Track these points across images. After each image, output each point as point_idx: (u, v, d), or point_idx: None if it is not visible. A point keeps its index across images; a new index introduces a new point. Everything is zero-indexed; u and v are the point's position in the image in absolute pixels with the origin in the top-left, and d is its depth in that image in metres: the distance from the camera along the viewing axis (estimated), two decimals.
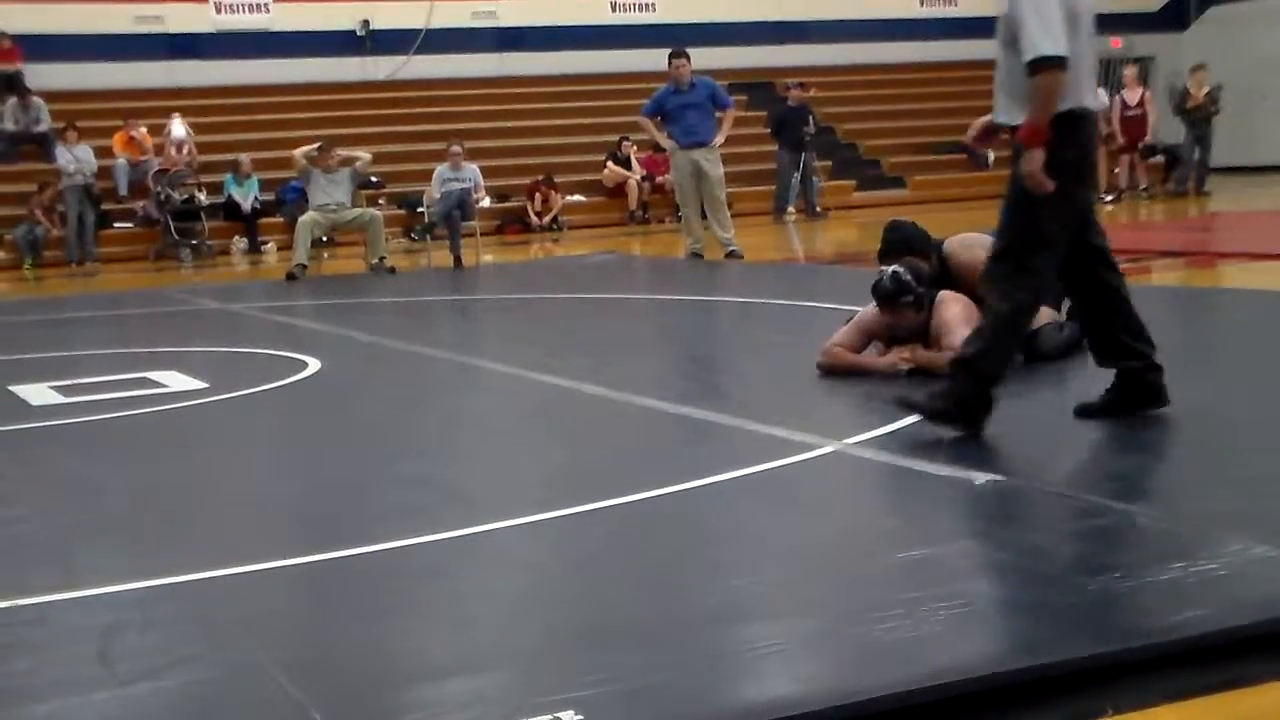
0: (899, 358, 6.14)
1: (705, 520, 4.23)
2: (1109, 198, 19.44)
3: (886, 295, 6.14)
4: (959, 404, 4.87)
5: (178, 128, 19.05)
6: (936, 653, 2.88)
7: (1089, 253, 5.02)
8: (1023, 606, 3.13)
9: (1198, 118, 20.20)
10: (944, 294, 6.22)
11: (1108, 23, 27.95)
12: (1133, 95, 20.44)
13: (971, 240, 6.55)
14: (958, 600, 3.16)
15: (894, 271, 6.15)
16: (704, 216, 13.78)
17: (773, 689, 2.81)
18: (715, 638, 3.14)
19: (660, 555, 3.96)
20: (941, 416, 4.90)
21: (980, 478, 4.28)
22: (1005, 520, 3.94)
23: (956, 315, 6.07)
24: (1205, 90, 20.28)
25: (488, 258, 15.94)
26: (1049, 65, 4.68)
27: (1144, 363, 5.02)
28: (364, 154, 15.21)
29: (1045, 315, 6.33)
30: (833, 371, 6.25)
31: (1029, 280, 4.92)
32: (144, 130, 19.34)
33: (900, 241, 6.54)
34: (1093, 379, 6.13)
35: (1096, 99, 4.99)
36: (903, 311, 6.14)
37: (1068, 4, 4.76)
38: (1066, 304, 6.65)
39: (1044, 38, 4.67)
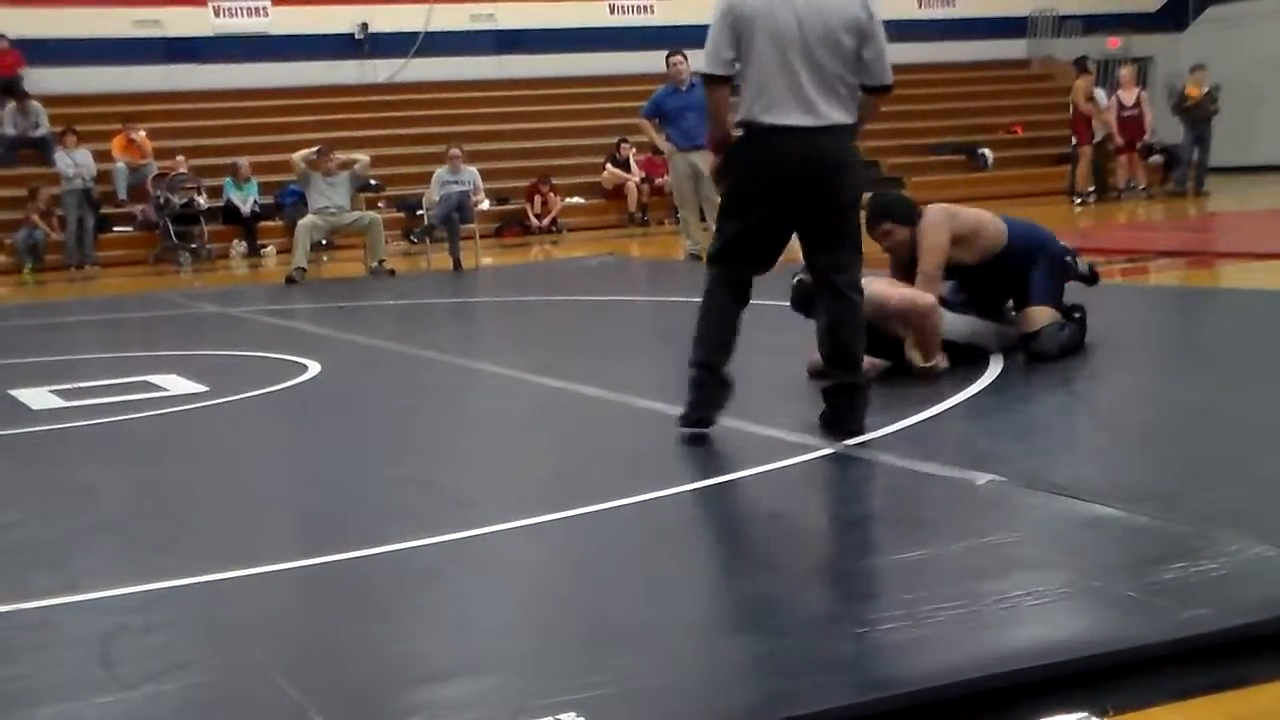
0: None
1: (705, 522, 4.23)
2: (1078, 200, 19.42)
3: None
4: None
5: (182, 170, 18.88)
6: (938, 654, 2.88)
7: (810, 269, 5.23)
8: (1024, 607, 3.13)
9: (1196, 118, 20.19)
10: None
11: (1106, 23, 27.92)
12: (1129, 95, 20.44)
13: (956, 210, 6.56)
14: (959, 601, 3.16)
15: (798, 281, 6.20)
16: (703, 218, 13.78)
17: (772, 688, 2.81)
18: (715, 640, 3.15)
19: (660, 558, 3.96)
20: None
21: (982, 478, 4.28)
22: (1006, 521, 3.94)
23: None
24: (1204, 90, 20.29)
25: (487, 260, 15.95)
26: (706, 81, 5.10)
27: (831, 384, 5.15)
28: (363, 157, 15.22)
29: (1045, 315, 6.33)
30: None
31: (711, 272, 5.22)
32: (143, 134, 19.33)
33: (879, 208, 6.56)
34: (1095, 379, 6.15)
35: (796, 116, 4.96)
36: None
37: (765, 25, 4.94)
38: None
39: (706, 57, 5.06)
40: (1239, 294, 9.39)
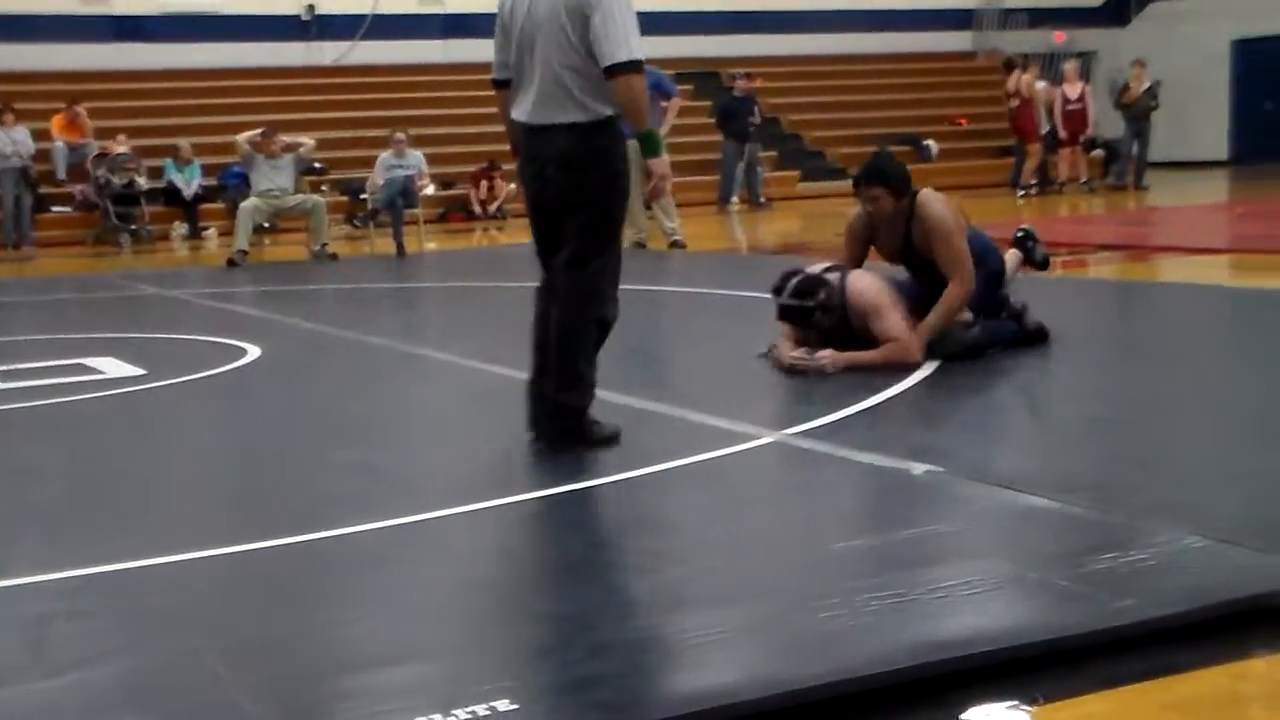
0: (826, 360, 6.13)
1: (646, 509, 4.23)
2: (1021, 193, 19.57)
3: (789, 312, 6.22)
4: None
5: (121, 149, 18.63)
6: (873, 642, 2.90)
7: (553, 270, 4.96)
8: (958, 596, 3.15)
9: (1136, 113, 20.40)
10: (851, 276, 6.26)
11: (1051, 17, 28.09)
12: (1073, 89, 20.60)
13: (941, 198, 6.48)
14: (895, 591, 3.18)
15: (796, 287, 6.19)
16: (648, 206, 13.78)
17: (710, 677, 2.82)
18: (653, 626, 3.16)
19: (600, 544, 3.97)
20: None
21: (919, 469, 4.31)
22: (942, 512, 3.97)
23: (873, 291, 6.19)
24: (1144, 85, 20.48)
25: (431, 245, 15.87)
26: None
27: (543, 391, 4.91)
28: (308, 140, 15.10)
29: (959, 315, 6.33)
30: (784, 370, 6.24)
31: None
32: (83, 113, 19.08)
33: (876, 170, 6.45)
34: (1033, 371, 6.20)
35: (528, 113, 4.87)
36: (814, 319, 6.19)
37: (516, 22, 4.90)
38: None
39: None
40: (1176, 288, 9.49)
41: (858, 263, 6.52)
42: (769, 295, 6.34)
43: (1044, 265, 7.24)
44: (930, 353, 6.14)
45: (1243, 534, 3.46)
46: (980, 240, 6.53)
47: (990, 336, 6.38)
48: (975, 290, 6.33)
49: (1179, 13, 26.35)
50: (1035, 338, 6.54)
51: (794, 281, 6.20)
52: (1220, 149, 25.88)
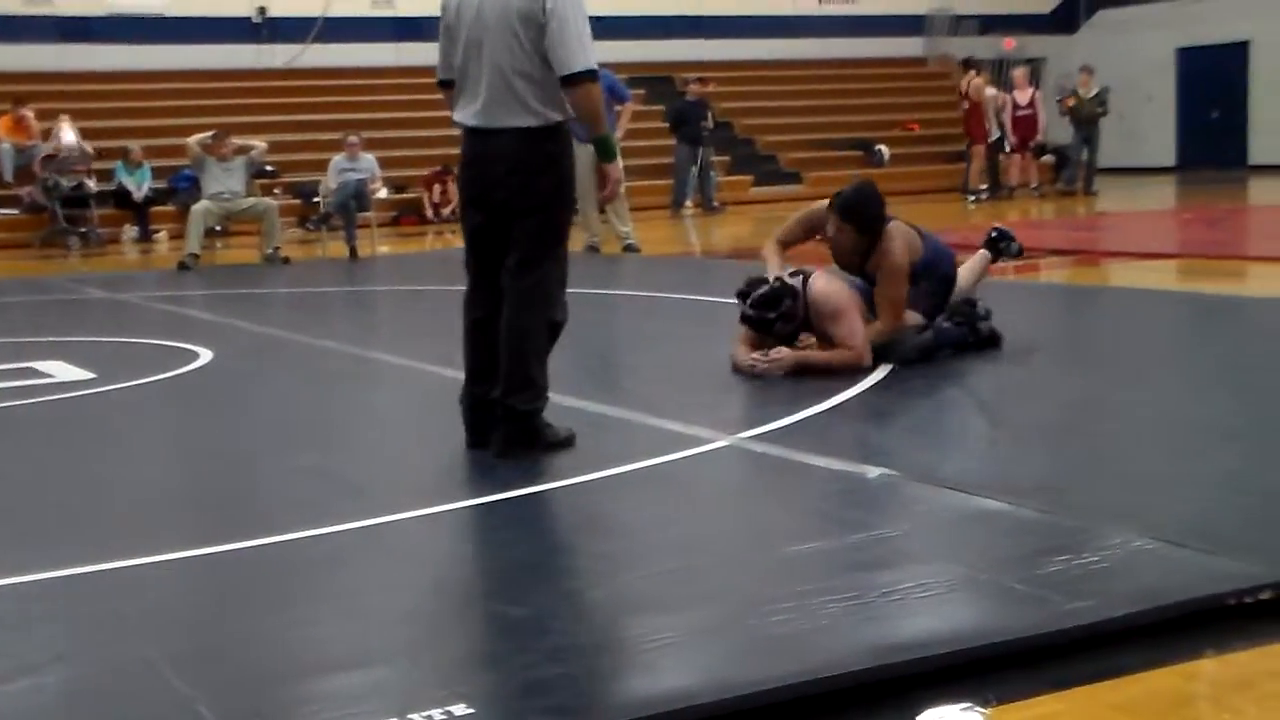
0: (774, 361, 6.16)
1: (599, 513, 4.23)
2: (971, 198, 19.71)
3: (750, 321, 6.25)
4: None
5: (68, 134, 18.49)
6: (827, 645, 2.91)
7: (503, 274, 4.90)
8: (912, 599, 3.17)
9: (1084, 119, 20.59)
10: (814, 279, 6.29)
11: (1001, 23, 28.34)
12: (1023, 95, 20.77)
13: (910, 236, 6.47)
14: (848, 593, 3.19)
15: (760, 298, 6.21)
16: (602, 210, 13.78)
17: (664, 681, 2.83)
18: (607, 630, 3.16)
19: (554, 548, 3.97)
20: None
21: (873, 472, 4.33)
22: (896, 515, 3.99)
23: (837, 297, 6.23)
24: (1093, 92, 20.67)
25: (384, 249, 15.82)
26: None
27: (481, 398, 4.89)
28: (259, 143, 15.01)
29: (910, 319, 6.37)
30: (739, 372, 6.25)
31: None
32: (30, 114, 18.88)
33: (855, 209, 6.36)
34: (986, 375, 6.24)
35: (473, 116, 4.82)
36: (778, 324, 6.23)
37: (463, 22, 4.81)
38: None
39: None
40: (1125, 292, 9.58)
41: (788, 245, 6.62)
42: (734, 299, 6.35)
43: (1019, 254, 7.44)
44: (883, 357, 6.18)
45: (1192, 536, 3.50)
46: (934, 246, 6.57)
47: (939, 340, 6.44)
48: (927, 294, 6.41)
49: (1126, 20, 26.64)
50: (986, 343, 6.59)
51: (759, 292, 6.23)
52: (1168, 155, 26.18)
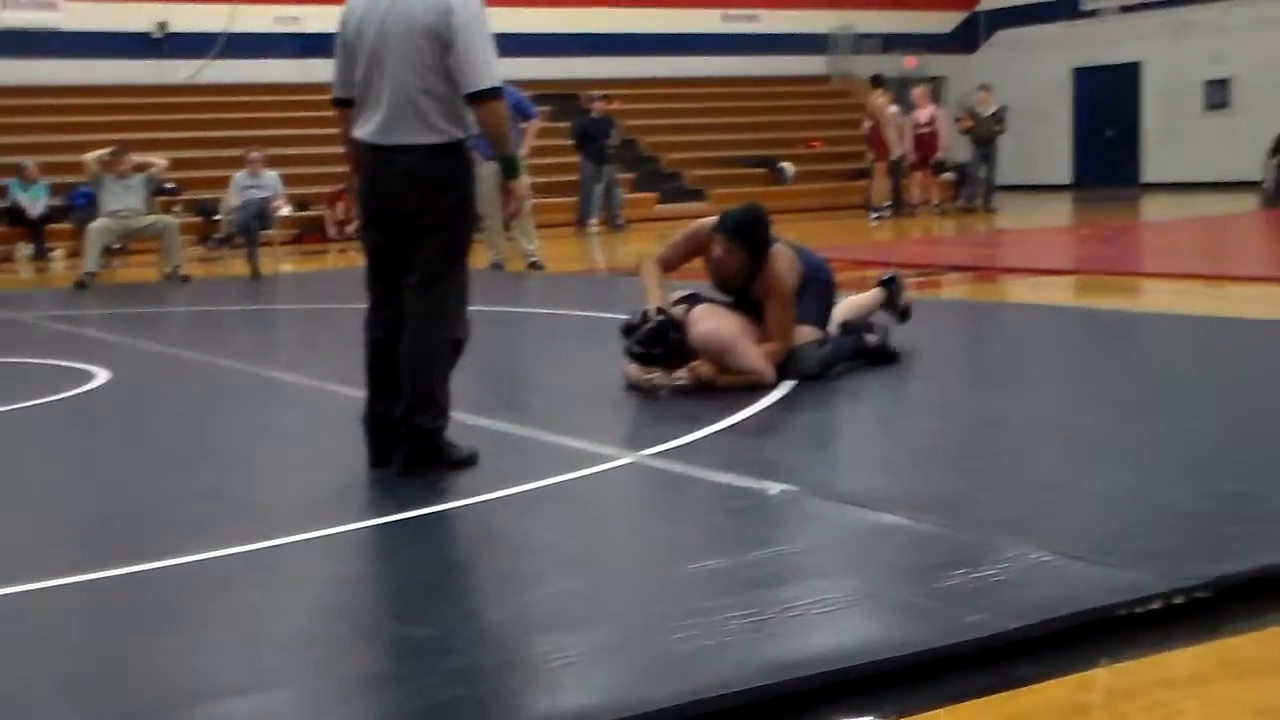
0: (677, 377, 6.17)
1: (500, 532, 4.22)
2: (874, 215, 19.93)
3: (638, 358, 6.26)
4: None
5: None
6: (728, 662, 2.92)
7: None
8: (812, 615, 3.19)
9: (983, 137, 20.92)
10: (693, 323, 6.27)
11: (903, 42, 28.75)
12: (923, 113, 21.05)
13: (794, 260, 6.47)
14: (750, 609, 3.21)
15: (644, 336, 6.21)
16: (507, 227, 13.75)
17: (566, 700, 2.82)
18: (509, 649, 3.15)
19: (455, 567, 3.95)
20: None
21: (774, 488, 4.36)
22: (797, 530, 4.02)
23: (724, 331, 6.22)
24: (990, 110, 21.00)
25: (286, 267, 15.67)
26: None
27: (385, 418, 4.86)
28: (159, 160, 14.81)
29: (806, 334, 6.42)
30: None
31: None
32: None
33: (743, 230, 6.35)
34: (886, 391, 6.31)
35: (374, 132, 4.78)
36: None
37: (364, 37, 4.78)
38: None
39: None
40: (1023, 308, 9.72)
41: (672, 266, 6.57)
42: (620, 334, 6.34)
43: (904, 317, 7.26)
44: (785, 373, 6.22)
45: (1085, 549, 3.56)
46: (809, 260, 6.62)
47: (836, 354, 6.51)
48: (815, 302, 6.50)
49: (1024, 40, 27.13)
50: (879, 357, 6.66)
51: (643, 329, 6.21)
52: (1065, 173, 26.68)
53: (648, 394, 6.12)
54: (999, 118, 21.03)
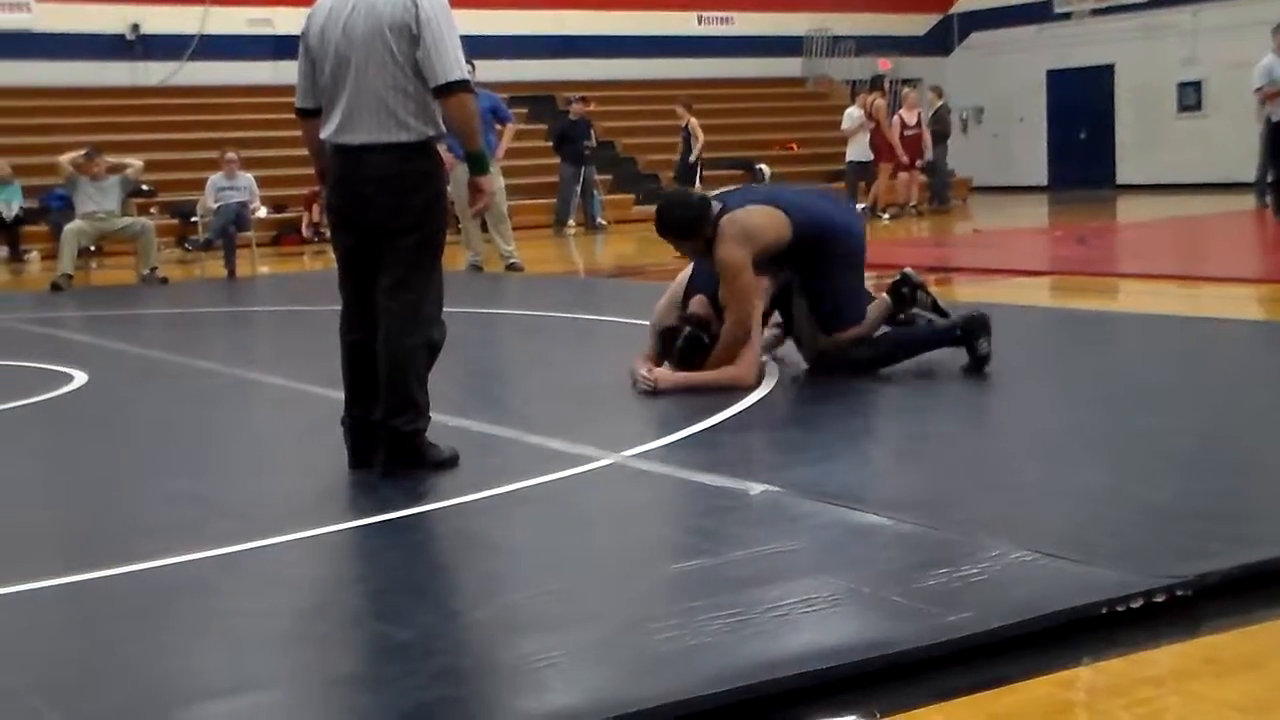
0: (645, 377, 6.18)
1: (483, 533, 4.21)
2: (886, 215, 20.00)
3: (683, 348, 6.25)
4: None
5: None
6: (712, 661, 2.92)
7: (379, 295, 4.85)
8: (796, 614, 3.19)
9: (934, 136, 21.18)
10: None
11: (877, 44, 28.75)
12: (911, 115, 21.12)
13: (750, 230, 6.17)
14: (733, 609, 3.21)
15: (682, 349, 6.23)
16: (484, 229, 13.74)
17: (550, 701, 2.81)
18: (492, 651, 3.15)
19: (437, 569, 3.94)
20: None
21: (756, 488, 4.36)
22: (779, 530, 4.02)
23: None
24: (934, 109, 21.20)
25: (263, 269, 15.62)
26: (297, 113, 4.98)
27: (363, 420, 4.87)
28: (135, 161, 14.76)
29: (853, 335, 6.42)
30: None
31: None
32: None
33: (663, 223, 6.32)
34: (867, 391, 6.32)
35: (341, 134, 4.77)
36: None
37: (329, 40, 4.75)
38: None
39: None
40: (1000, 308, 9.72)
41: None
42: (665, 333, 6.33)
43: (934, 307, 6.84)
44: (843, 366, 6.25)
45: (1067, 547, 3.57)
46: (821, 210, 6.38)
47: (895, 346, 6.47)
48: (854, 286, 6.38)
49: (998, 43, 27.22)
50: (967, 333, 6.41)
51: (677, 350, 6.23)
52: (1040, 174, 26.78)
53: (639, 392, 6.13)
54: (939, 116, 21.25)
